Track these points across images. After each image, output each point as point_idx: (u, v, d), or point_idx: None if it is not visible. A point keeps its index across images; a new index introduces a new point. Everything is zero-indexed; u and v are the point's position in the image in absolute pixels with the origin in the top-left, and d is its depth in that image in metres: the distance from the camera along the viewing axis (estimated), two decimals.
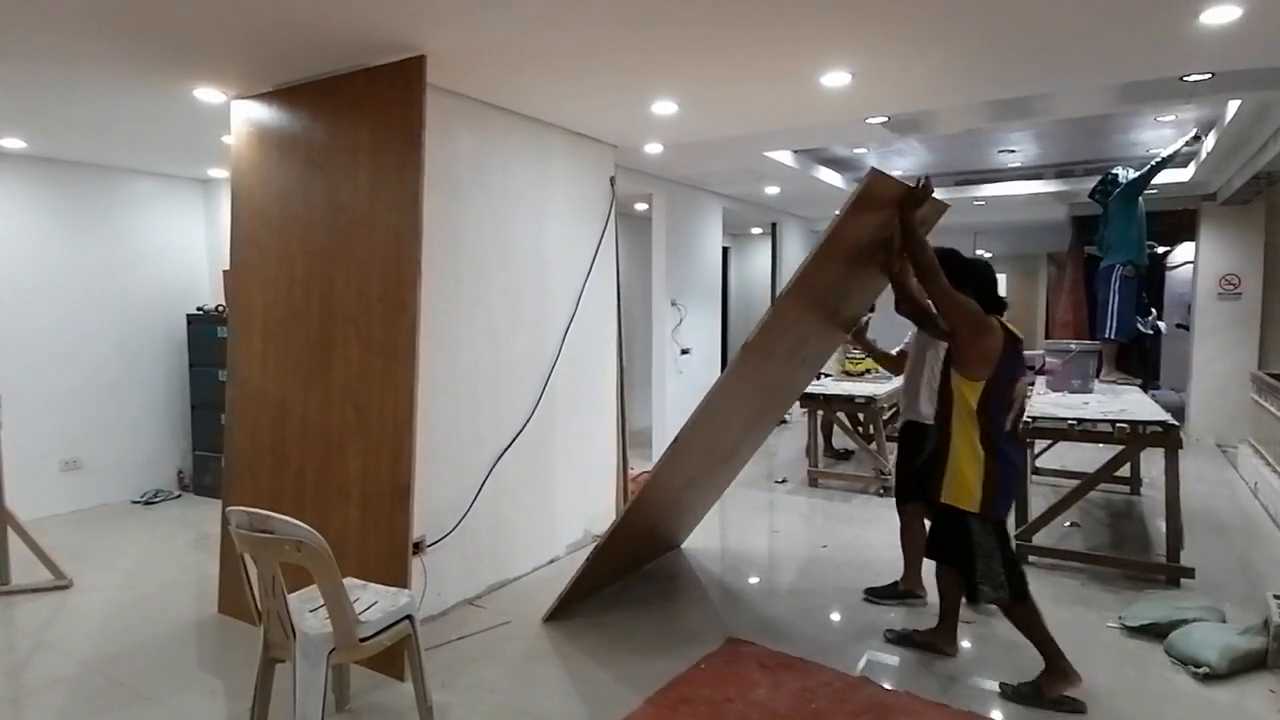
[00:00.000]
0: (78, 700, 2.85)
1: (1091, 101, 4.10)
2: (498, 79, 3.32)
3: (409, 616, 2.51)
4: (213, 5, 2.52)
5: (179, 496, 5.76)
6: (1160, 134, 5.81)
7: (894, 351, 3.90)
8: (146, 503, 5.55)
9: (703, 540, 4.62)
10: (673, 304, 6.71)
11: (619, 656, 3.15)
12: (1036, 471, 5.86)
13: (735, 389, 3.17)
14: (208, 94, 3.50)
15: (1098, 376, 5.35)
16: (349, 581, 2.50)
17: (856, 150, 6.44)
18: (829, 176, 6.99)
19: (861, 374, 6.61)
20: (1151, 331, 6.39)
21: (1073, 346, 5.29)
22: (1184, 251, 9.08)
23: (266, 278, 3.43)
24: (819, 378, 6.83)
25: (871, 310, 3.91)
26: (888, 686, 2.89)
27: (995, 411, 2.72)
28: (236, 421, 3.55)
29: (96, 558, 4.36)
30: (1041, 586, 3.81)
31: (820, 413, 6.05)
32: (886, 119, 4.26)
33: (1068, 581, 3.88)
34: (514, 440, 3.86)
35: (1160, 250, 8.68)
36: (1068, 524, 4.75)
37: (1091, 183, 5.82)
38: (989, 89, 3.63)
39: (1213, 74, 3.38)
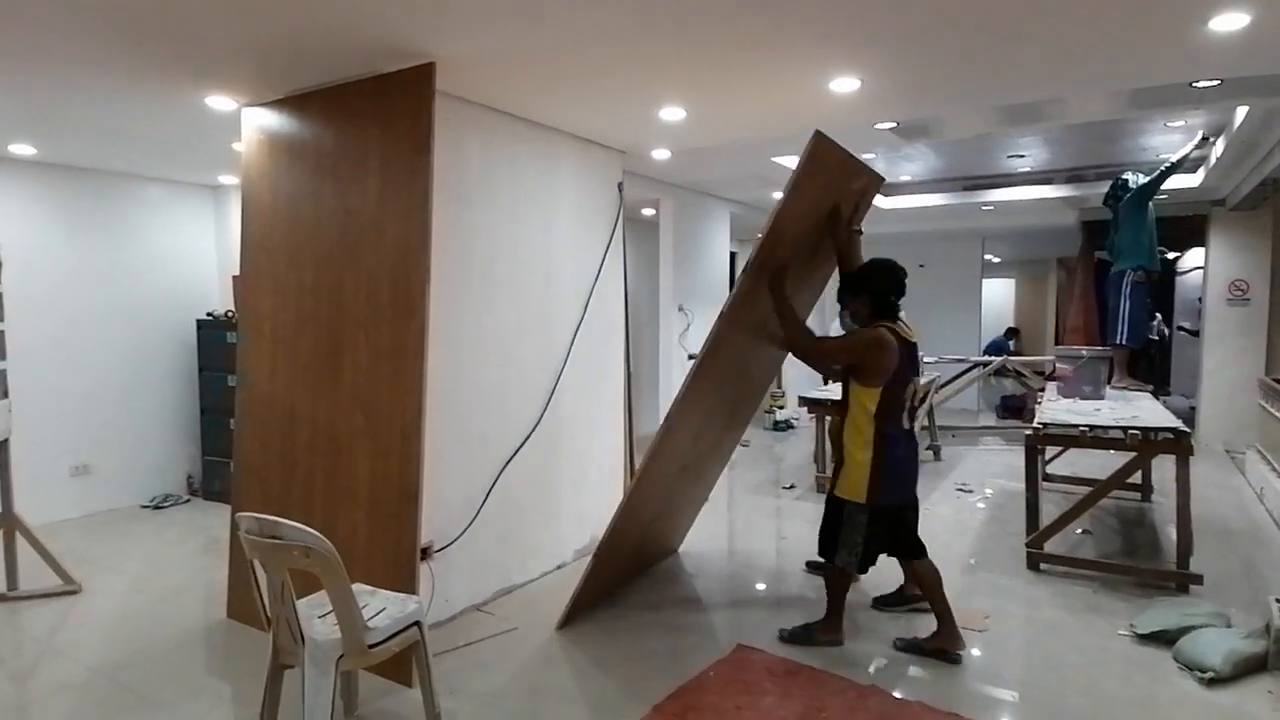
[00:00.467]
0: (86, 706, 2.85)
1: (1101, 106, 4.08)
2: (506, 86, 3.33)
3: (417, 623, 2.50)
4: (227, 15, 2.53)
5: (188, 501, 5.78)
6: (1170, 139, 5.79)
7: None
8: (156, 507, 5.57)
9: (710, 545, 4.60)
10: (680, 309, 6.70)
11: (627, 663, 3.14)
12: (1047, 478, 5.83)
13: (715, 364, 3.21)
14: (219, 102, 3.52)
15: (1109, 383, 5.32)
16: (357, 587, 2.49)
17: (865, 155, 6.42)
18: None
19: None
20: (1156, 337, 6.36)
21: (1084, 353, 5.25)
22: (1194, 257, 9.03)
23: (276, 283, 3.44)
24: (826, 383, 6.81)
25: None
26: (898, 695, 2.86)
27: (891, 414, 3.02)
28: (246, 426, 3.55)
29: (105, 562, 4.37)
30: (1054, 595, 3.79)
31: (828, 418, 6.02)
32: (895, 124, 4.25)
33: (1080, 590, 3.85)
34: (521, 445, 3.85)
35: (1171, 255, 8.64)
36: (1080, 531, 4.71)
37: (1102, 187, 5.81)
38: (999, 94, 3.62)
39: (1221, 80, 3.37)
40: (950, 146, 6.06)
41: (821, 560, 3.39)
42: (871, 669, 3.06)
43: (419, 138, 2.95)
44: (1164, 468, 5.07)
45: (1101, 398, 4.98)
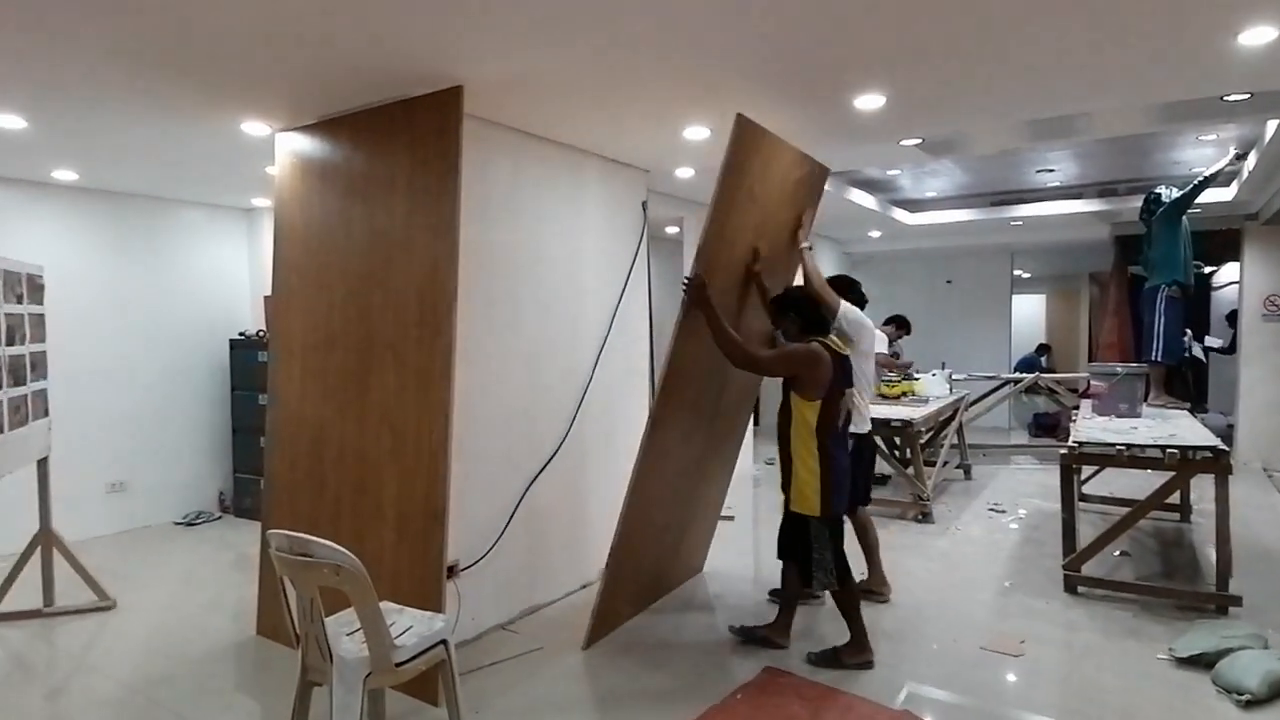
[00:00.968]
0: None
1: (1132, 120, 4.03)
2: (532, 108, 3.37)
3: (444, 641, 2.50)
4: (264, 45, 2.60)
5: (219, 518, 5.86)
6: (1202, 153, 5.70)
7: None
8: (188, 524, 5.66)
9: (736, 566, 4.56)
10: None
11: (653, 685, 3.11)
12: (1083, 498, 5.70)
13: (681, 363, 3.26)
14: (254, 127, 3.61)
15: (1146, 400, 5.20)
16: (385, 605, 2.50)
17: (890, 172, 6.41)
18: (861, 198, 6.95)
19: (897, 397, 6.50)
20: (1187, 355, 6.21)
21: (1119, 369, 5.15)
22: (1229, 272, 8.84)
23: (306, 304, 3.50)
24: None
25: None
26: None
27: (831, 425, 3.13)
28: (276, 445, 3.60)
29: (139, 578, 4.44)
30: (1092, 618, 3.70)
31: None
32: (921, 140, 4.23)
33: (1119, 613, 3.75)
34: (547, 464, 3.86)
35: (1206, 270, 8.46)
36: (1118, 553, 4.59)
37: (1134, 202, 5.73)
38: (1026, 109, 3.59)
39: (1251, 94, 3.32)
40: (977, 161, 6.02)
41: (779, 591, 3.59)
42: (903, 694, 2.99)
43: (447, 160, 3.00)
44: (1201, 487, 4.94)
45: (1138, 415, 4.87)
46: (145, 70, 2.86)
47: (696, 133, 3.82)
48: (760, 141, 3.23)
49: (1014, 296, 10.52)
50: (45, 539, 3.88)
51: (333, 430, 3.35)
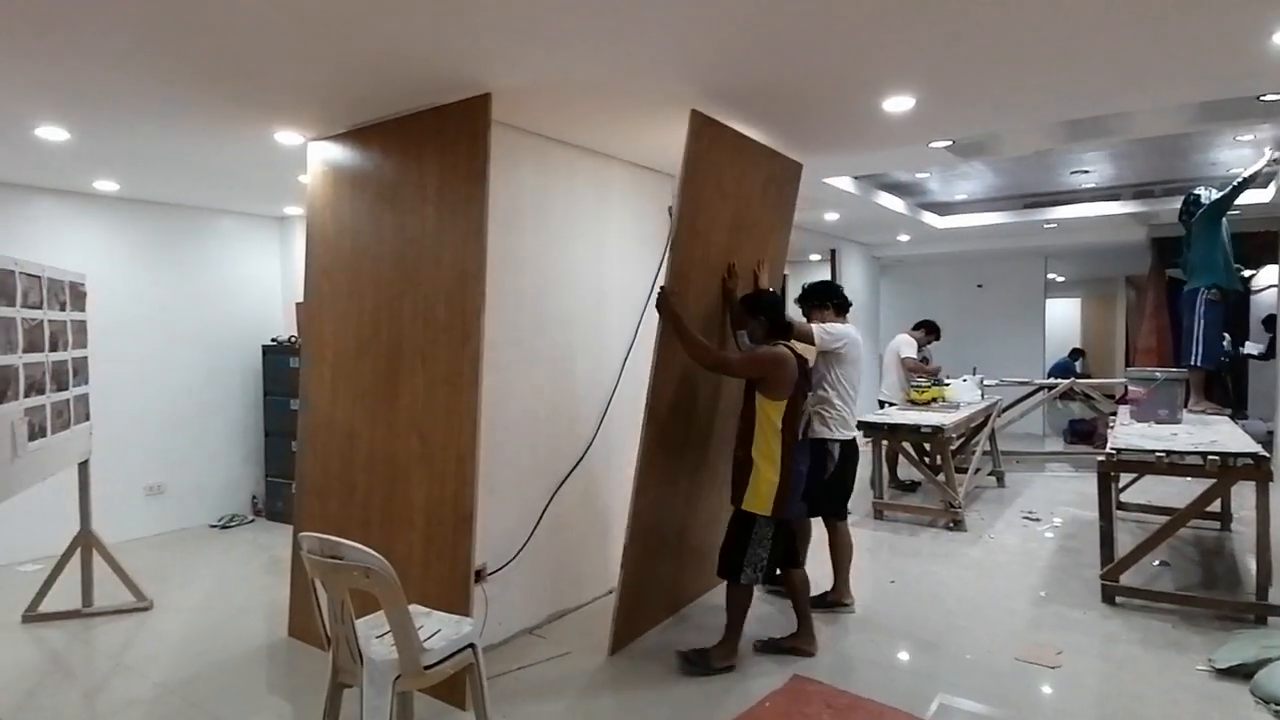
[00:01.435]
0: None
1: (1168, 120, 3.95)
2: (558, 114, 3.38)
3: (472, 645, 2.51)
4: (297, 55, 2.65)
5: (252, 521, 5.95)
6: (1239, 153, 5.57)
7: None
8: (223, 527, 5.76)
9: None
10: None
11: (680, 691, 3.09)
12: (1121, 506, 5.57)
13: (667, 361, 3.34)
14: (287, 136, 3.68)
15: (1185, 406, 5.07)
16: (413, 608, 2.52)
17: (919, 175, 6.34)
18: (890, 202, 6.89)
19: (928, 403, 6.42)
20: (1226, 359, 6.04)
21: (1158, 374, 5.03)
22: (1267, 275, 8.59)
23: (337, 310, 3.55)
24: (882, 405, 6.67)
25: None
26: None
27: (794, 426, 3.17)
28: (307, 449, 3.65)
29: (175, 580, 4.53)
30: (1131, 629, 3.61)
31: (885, 443, 5.89)
32: (951, 142, 4.18)
33: (1158, 624, 3.65)
34: (574, 469, 3.86)
35: (1246, 273, 8.24)
36: (1157, 563, 4.48)
37: (1171, 203, 5.61)
38: (1059, 110, 3.53)
39: None
40: (1009, 163, 5.92)
41: (778, 586, 3.65)
42: (934, 705, 2.94)
43: (475, 166, 3.02)
44: (1241, 495, 4.80)
45: (1178, 421, 4.75)
46: (182, 81, 2.93)
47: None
48: (720, 137, 3.34)
49: (1048, 301, 10.33)
50: (85, 540, 3.97)
51: (363, 434, 3.39)
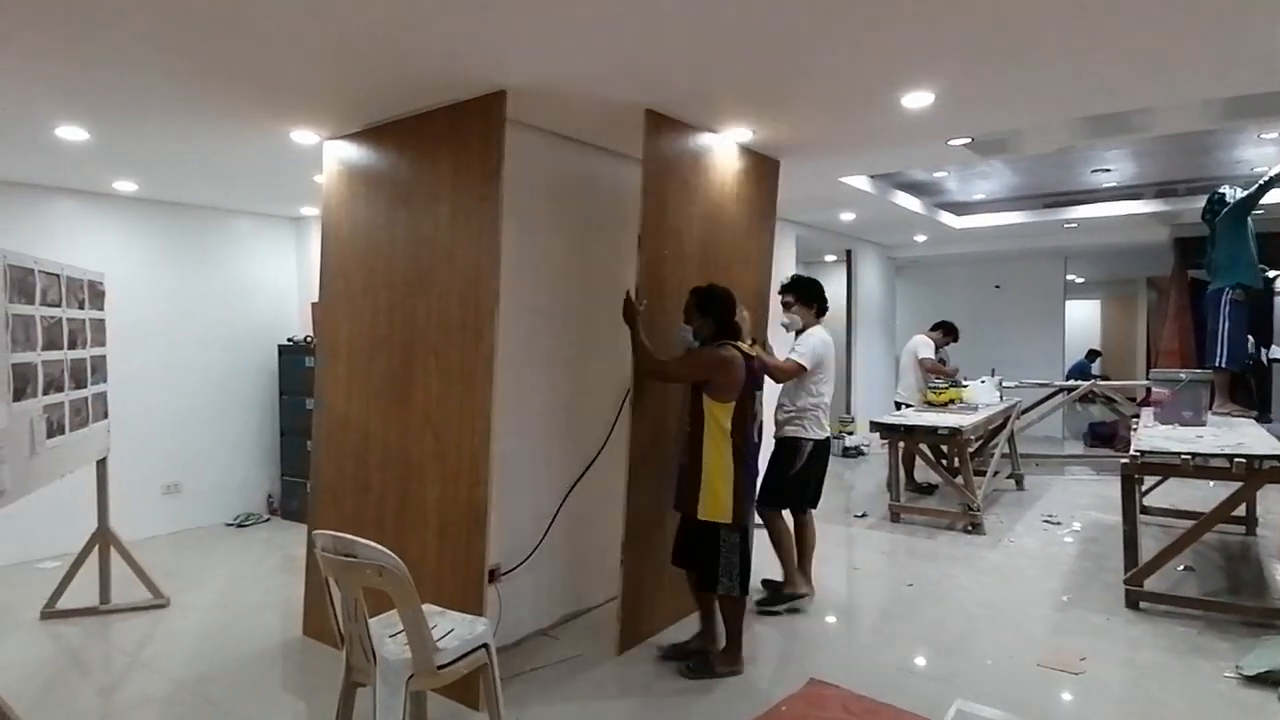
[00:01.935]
0: (169, 719, 2.94)
1: (1193, 117, 3.87)
2: (573, 112, 3.37)
3: (485, 645, 2.49)
4: (313, 55, 2.65)
5: (268, 520, 5.98)
6: (1263, 151, 5.48)
7: None
8: (239, 525, 5.78)
9: (779, 575, 4.46)
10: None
11: (694, 695, 3.06)
12: (1145, 510, 5.48)
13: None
14: (303, 136, 3.68)
15: (1210, 408, 4.98)
16: (427, 608, 2.50)
17: (936, 174, 6.27)
18: (907, 201, 6.82)
19: (945, 404, 6.35)
20: (1250, 362, 5.92)
21: (1183, 375, 4.94)
22: None
23: (352, 309, 3.55)
24: (898, 407, 6.61)
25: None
26: None
27: (743, 427, 3.11)
28: (322, 448, 3.65)
29: (192, 578, 4.55)
30: (1156, 635, 3.54)
31: (901, 444, 5.83)
32: (970, 140, 4.12)
33: (1182, 630, 3.58)
34: (587, 468, 3.84)
35: (1270, 274, 8.08)
36: (1182, 568, 4.39)
37: (1195, 202, 5.52)
38: (1081, 106, 3.47)
39: None
40: (1029, 162, 5.85)
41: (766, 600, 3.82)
42: (952, 711, 2.89)
43: (489, 164, 3.01)
44: (1267, 499, 4.71)
45: (1203, 423, 4.66)
46: (200, 81, 2.94)
47: (738, 134, 3.78)
48: (677, 134, 3.48)
49: (1067, 302, 10.21)
50: (103, 538, 4.00)
51: (377, 433, 3.38)
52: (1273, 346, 7.88)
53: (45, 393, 3.29)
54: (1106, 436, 9.02)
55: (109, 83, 2.94)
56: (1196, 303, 6.71)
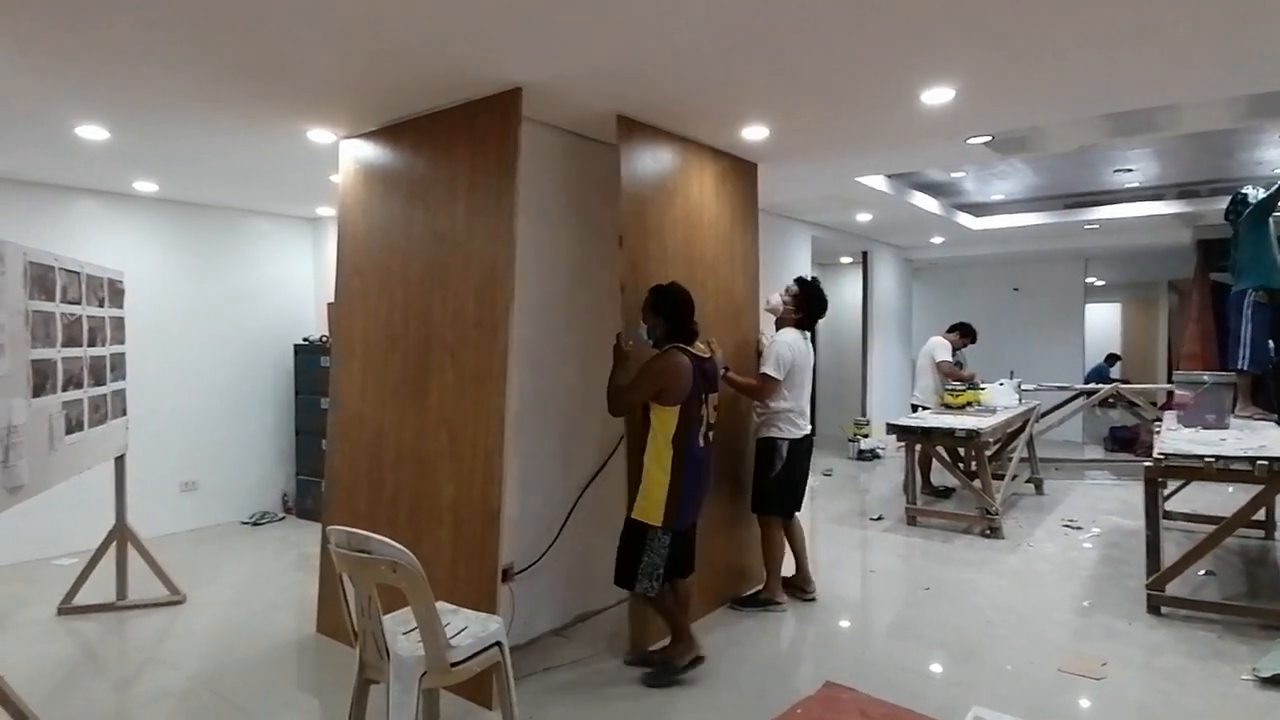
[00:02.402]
0: (183, 715, 2.95)
1: (1217, 115, 3.82)
2: (590, 111, 3.36)
3: (499, 643, 2.48)
4: (332, 53, 2.66)
5: (283, 518, 6.01)
6: None
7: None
8: (254, 524, 5.82)
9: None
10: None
11: (709, 698, 3.03)
12: (1166, 516, 5.39)
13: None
14: (320, 135, 3.70)
15: (1233, 411, 4.90)
16: (440, 606, 2.49)
17: (954, 174, 6.22)
18: (924, 202, 6.77)
19: (962, 407, 6.28)
20: (1272, 364, 5.82)
21: (1206, 378, 4.86)
22: None
23: (368, 307, 3.56)
24: (915, 409, 6.55)
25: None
26: None
27: (690, 431, 3.07)
28: (337, 446, 3.66)
29: (208, 575, 4.57)
30: (1177, 640, 3.48)
31: (918, 447, 5.77)
32: (990, 138, 4.08)
33: (1203, 634, 3.52)
34: (602, 467, 3.82)
35: None
36: (1203, 573, 4.32)
37: (1218, 203, 5.43)
38: (1104, 103, 3.42)
39: None
40: (1049, 162, 5.79)
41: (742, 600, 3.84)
42: (969, 717, 2.85)
43: (505, 162, 3.01)
44: None
45: (1226, 427, 4.58)
46: (218, 80, 2.95)
47: (755, 132, 3.76)
48: (651, 140, 3.53)
49: (1087, 306, 10.09)
50: (120, 534, 4.02)
51: (391, 431, 3.38)
52: None
53: (64, 389, 3.31)
54: (1127, 441, 8.89)
55: (127, 81, 2.96)
56: (1218, 306, 6.62)
